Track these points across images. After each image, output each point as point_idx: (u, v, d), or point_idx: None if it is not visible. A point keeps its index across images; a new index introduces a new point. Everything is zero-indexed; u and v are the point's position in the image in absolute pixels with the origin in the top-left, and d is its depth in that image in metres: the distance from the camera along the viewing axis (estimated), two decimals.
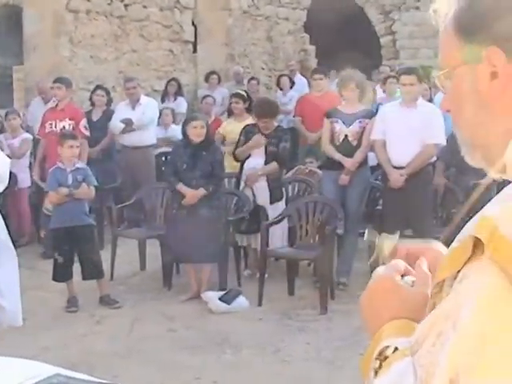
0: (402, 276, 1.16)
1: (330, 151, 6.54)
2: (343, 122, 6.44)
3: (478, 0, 1.02)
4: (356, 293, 5.08)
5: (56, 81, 7.93)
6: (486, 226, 0.92)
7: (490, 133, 1.04)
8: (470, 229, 0.96)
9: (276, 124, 6.97)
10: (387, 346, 1.05)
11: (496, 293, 0.89)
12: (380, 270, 1.18)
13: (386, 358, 1.04)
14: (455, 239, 1.01)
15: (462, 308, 0.91)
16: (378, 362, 1.05)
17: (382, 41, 16.43)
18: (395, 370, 1.01)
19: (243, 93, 8.27)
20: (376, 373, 1.04)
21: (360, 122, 6.42)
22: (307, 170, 7.57)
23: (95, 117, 8.47)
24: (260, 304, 5.96)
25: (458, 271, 0.95)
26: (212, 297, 5.88)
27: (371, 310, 1.15)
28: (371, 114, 6.56)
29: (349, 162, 6.36)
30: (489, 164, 1.05)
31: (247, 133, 6.79)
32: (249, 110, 7.65)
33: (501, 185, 1.02)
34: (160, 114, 8.99)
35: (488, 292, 0.90)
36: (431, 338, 0.94)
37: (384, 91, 8.77)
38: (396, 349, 1.04)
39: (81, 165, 6.23)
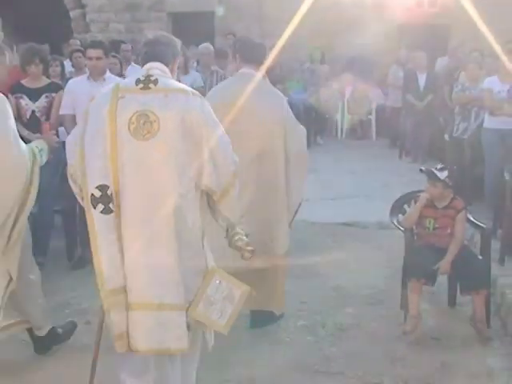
0: None
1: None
2: (29, 98, 6.23)
3: None
4: None
5: None
6: None
7: None
8: None
9: None
10: None
11: None
12: None
13: None
14: None
15: None
16: None
17: (72, 14, 16.11)
18: None
19: None
20: None
21: (47, 96, 6.25)
22: None
23: None
24: None
25: None
26: None
27: None
28: (57, 88, 6.38)
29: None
30: None
31: None
32: None
33: None
34: None
35: None
36: None
37: (73, 65, 8.58)
38: None
39: None
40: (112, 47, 9.45)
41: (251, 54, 4.70)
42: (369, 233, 7.22)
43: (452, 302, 5.26)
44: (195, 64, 9.83)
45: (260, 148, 4.54)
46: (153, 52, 3.48)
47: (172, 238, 3.22)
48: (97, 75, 6.12)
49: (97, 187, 3.21)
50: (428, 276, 4.75)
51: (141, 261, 3.22)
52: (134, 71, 9.04)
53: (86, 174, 3.27)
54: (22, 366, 4.37)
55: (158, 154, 3.21)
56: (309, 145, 13.39)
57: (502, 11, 13.34)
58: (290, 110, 4.84)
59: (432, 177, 4.90)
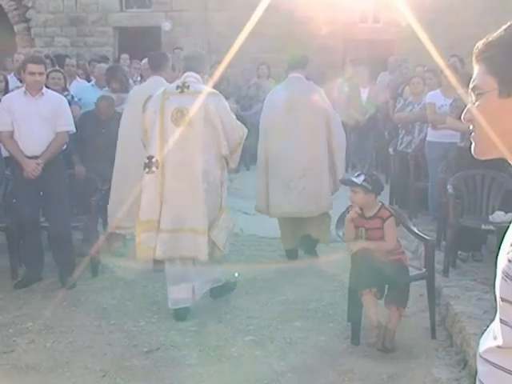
0: None
1: None
2: None
3: None
4: None
5: None
6: None
7: None
8: None
9: None
10: None
11: None
12: None
13: None
14: None
15: None
16: None
17: (16, 28, 15.89)
18: None
19: None
20: None
21: None
22: None
23: None
24: None
25: None
26: None
27: None
28: None
29: None
30: None
31: None
32: None
33: None
34: None
35: None
36: None
37: (20, 80, 8.44)
38: None
39: None
40: (57, 61, 9.35)
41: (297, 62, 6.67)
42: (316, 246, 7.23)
43: None
44: (139, 78, 9.77)
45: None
46: (188, 64, 5.32)
47: (200, 188, 5.10)
48: (36, 90, 6.02)
49: (147, 157, 5.15)
50: (378, 285, 4.74)
51: (179, 203, 5.11)
52: (79, 86, 8.99)
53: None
54: None
55: (189, 135, 5.09)
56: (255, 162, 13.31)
57: (445, 26, 13.64)
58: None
59: (349, 184, 5.00)
